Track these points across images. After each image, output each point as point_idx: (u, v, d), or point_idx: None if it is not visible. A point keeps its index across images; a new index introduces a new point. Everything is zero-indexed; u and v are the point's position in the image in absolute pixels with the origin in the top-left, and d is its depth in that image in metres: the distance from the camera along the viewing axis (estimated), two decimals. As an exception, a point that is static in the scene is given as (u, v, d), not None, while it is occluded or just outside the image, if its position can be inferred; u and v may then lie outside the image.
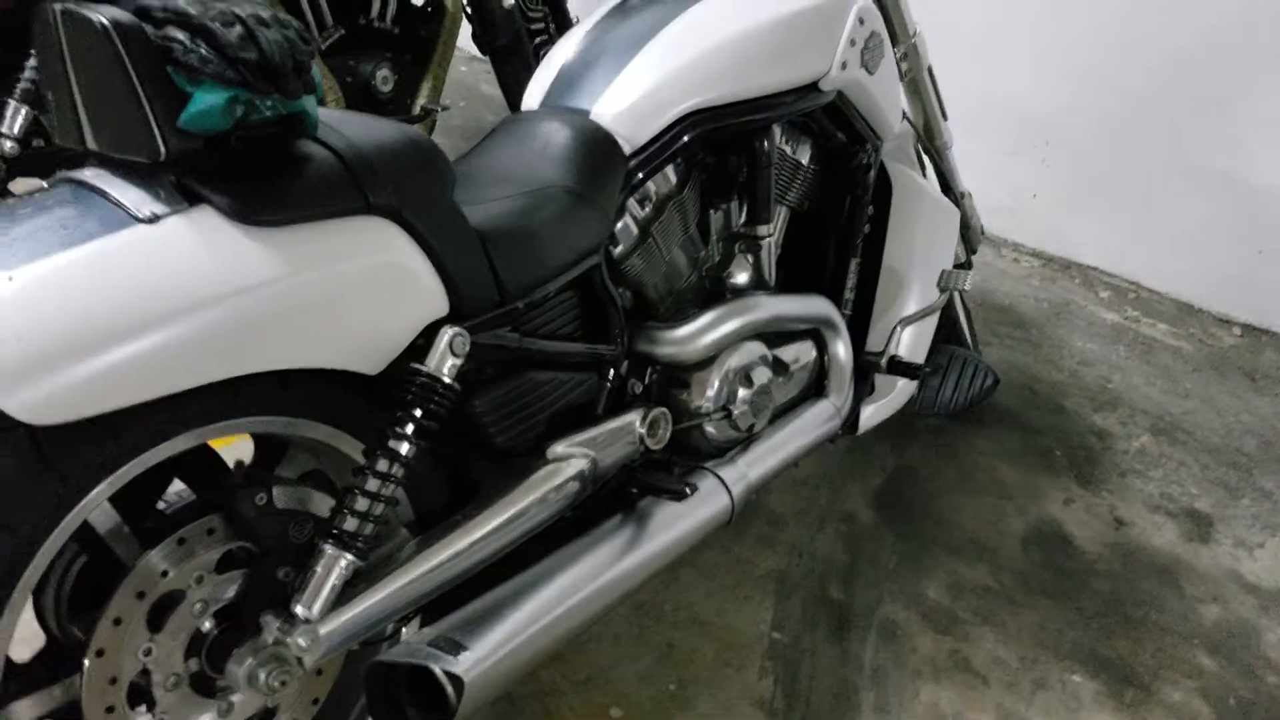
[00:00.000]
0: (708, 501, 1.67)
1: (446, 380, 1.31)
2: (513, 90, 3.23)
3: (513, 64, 3.16)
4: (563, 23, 3.33)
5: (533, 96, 1.76)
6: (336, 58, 2.77)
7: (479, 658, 1.30)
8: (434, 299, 1.31)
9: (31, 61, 2.11)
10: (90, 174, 1.16)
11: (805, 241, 2.09)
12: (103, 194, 1.13)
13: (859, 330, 2.15)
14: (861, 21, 1.89)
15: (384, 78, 2.85)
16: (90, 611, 1.22)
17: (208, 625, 1.27)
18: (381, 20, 2.90)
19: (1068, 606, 2.24)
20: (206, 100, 1.09)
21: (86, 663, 1.18)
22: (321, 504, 1.34)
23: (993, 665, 2.06)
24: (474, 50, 3.36)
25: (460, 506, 1.46)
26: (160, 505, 1.31)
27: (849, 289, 2.15)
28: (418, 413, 1.30)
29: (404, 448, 1.29)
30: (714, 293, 1.88)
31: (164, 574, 1.21)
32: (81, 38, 1.08)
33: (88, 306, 1.04)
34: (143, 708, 1.25)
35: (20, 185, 2.28)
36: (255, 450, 1.42)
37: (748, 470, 1.75)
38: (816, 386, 2.02)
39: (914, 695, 1.96)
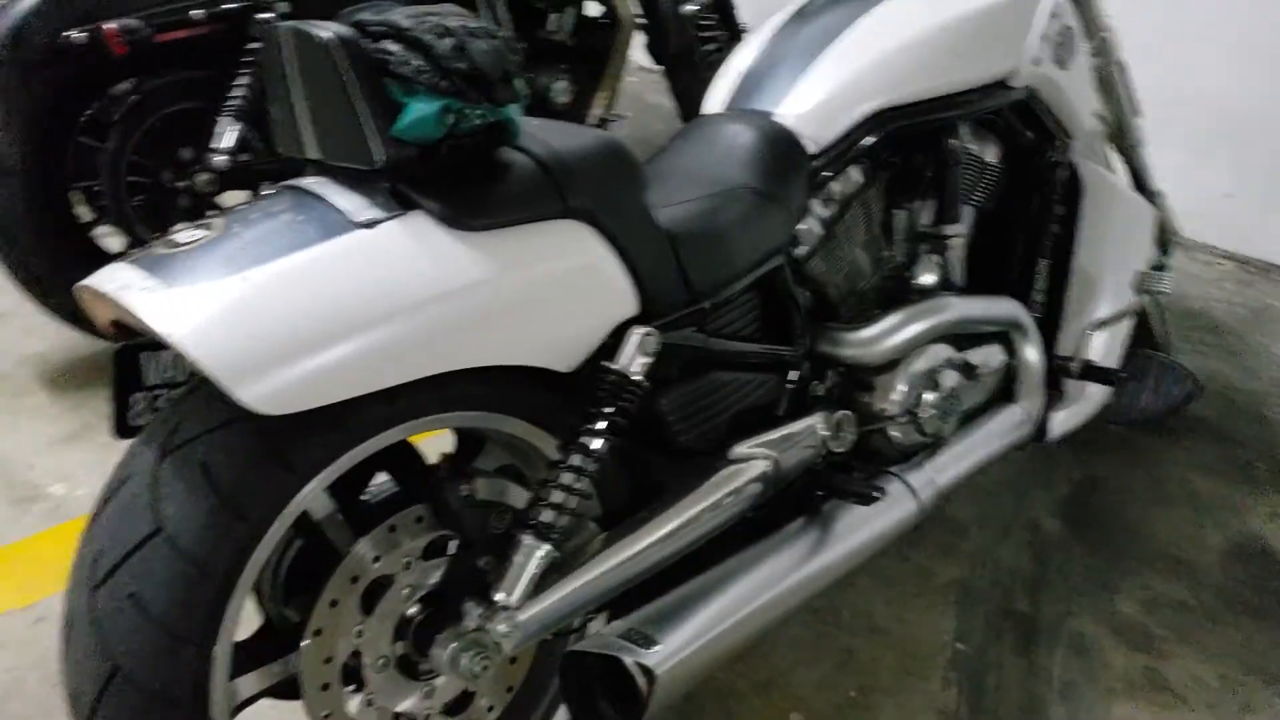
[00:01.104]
0: (894, 506, 1.65)
1: (636, 378, 1.33)
2: (685, 99, 3.26)
3: (685, 73, 3.20)
4: (733, 32, 3.35)
5: (715, 101, 1.77)
6: (516, 71, 2.86)
7: (670, 652, 1.31)
8: (625, 299, 1.34)
9: (241, 80, 2.26)
10: (311, 182, 1.24)
11: (992, 242, 2.04)
12: (323, 200, 1.20)
13: (1048, 334, 2.08)
14: (1054, 15, 1.84)
15: (561, 89, 2.93)
16: (304, 595, 1.30)
17: (413, 610, 1.32)
18: (559, 33, 2.98)
19: (1273, 625, 2.11)
20: (420, 110, 1.15)
21: (305, 642, 1.24)
22: (517, 497, 1.39)
23: (1192, 685, 1.96)
24: (641, 60, 3.41)
25: (643, 504, 1.48)
26: (365, 497, 1.38)
27: (1038, 291, 2.09)
28: (609, 409, 1.33)
29: (596, 443, 1.32)
30: (898, 294, 1.85)
31: (375, 559, 1.28)
32: (306, 53, 1.16)
33: (314, 305, 1.11)
34: (353, 687, 1.32)
35: (229, 197, 2.44)
36: (456, 445, 1.47)
37: (935, 476, 1.72)
38: (1005, 391, 1.96)
39: (1106, 712, 1.88)
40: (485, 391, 1.30)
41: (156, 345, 1.37)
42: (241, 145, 2.29)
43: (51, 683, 1.69)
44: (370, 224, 1.17)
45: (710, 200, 1.50)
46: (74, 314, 2.32)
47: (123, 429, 1.38)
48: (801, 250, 1.68)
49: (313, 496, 1.20)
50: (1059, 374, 2.09)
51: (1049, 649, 2.01)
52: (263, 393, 1.07)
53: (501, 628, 1.27)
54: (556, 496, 1.31)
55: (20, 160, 2.18)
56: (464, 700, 1.41)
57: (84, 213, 2.41)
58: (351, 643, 1.28)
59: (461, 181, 1.23)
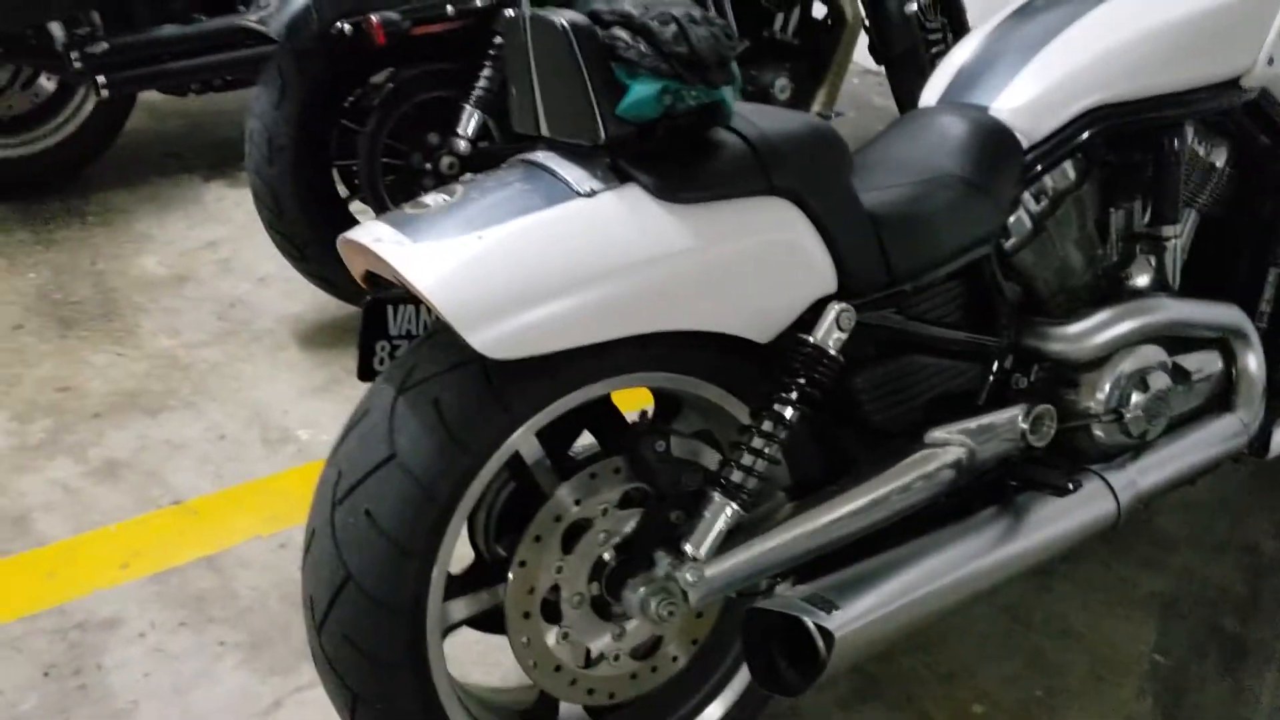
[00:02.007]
0: (1091, 504, 1.63)
1: (832, 353, 1.39)
2: (906, 99, 3.26)
3: (908, 73, 3.19)
4: (960, 31, 3.32)
5: (931, 94, 1.80)
6: (740, 68, 2.95)
7: (850, 618, 1.36)
8: (824, 276, 1.40)
9: (485, 72, 2.45)
10: (540, 155, 1.36)
11: (1217, 248, 1.98)
12: (549, 171, 1.33)
13: (1276, 345, 1.99)
14: (1294, 14, 1.77)
15: (782, 86, 2.99)
16: (510, 535, 1.42)
17: (608, 555, 1.43)
18: (784, 33, 3.05)
19: None
20: (642, 91, 1.25)
21: (510, 575, 1.37)
22: (709, 459, 1.47)
23: None
24: (867, 64, 3.43)
25: (834, 479, 1.53)
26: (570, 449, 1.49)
27: (1266, 301, 2.00)
28: (802, 381, 1.39)
29: (788, 412, 1.39)
30: (1111, 293, 1.82)
31: (576, 503, 1.39)
32: (544, 37, 1.29)
33: (538, 263, 1.23)
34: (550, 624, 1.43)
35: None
36: (655, 406, 1.57)
37: (1137, 477, 1.69)
38: (1222, 400, 1.89)
39: (1317, 742, 1.79)
40: (685, 355, 1.38)
41: (403, 299, 1.53)
42: (481, 132, 2.48)
43: (290, 601, 1.90)
44: (591, 194, 1.29)
45: (916, 187, 1.54)
46: (328, 279, 2.57)
47: (366, 373, 1.56)
48: (1011, 243, 1.68)
49: (525, 439, 1.32)
50: (1283, 388, 1.99)
51: (1257, 672, 1.93)
52: (491, 338, 1.20)
53: (688, 577, 1.35)
54: (746, 459, 1.38)
55: (291, 138, 2.44)
56: (653, 647, 1.50)
57: (341, 189, 2.67)
58: (551, 577, 1.39)
59: (675, 158, 1.32)
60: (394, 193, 2.52)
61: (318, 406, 2.43)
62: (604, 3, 1.31)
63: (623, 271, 1.26)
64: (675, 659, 1.53)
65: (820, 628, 1.34)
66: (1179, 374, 1.79)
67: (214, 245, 3.12)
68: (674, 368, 1.39)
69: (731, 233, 1.33)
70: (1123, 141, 1.77)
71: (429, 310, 1.53)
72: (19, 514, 2.10)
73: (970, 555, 1.52)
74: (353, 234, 1.32)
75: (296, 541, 2.02)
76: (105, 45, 2.92)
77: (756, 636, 1.39)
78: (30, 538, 2.04)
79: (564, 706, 1.52)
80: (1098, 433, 1.73)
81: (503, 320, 1.21)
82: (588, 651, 1.45)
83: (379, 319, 1.56)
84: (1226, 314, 1.87)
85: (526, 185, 1.32)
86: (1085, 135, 1.68)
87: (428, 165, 2.50)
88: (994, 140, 1.63)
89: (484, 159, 2.50)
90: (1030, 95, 1.67)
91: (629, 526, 1.43)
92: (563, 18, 1.27)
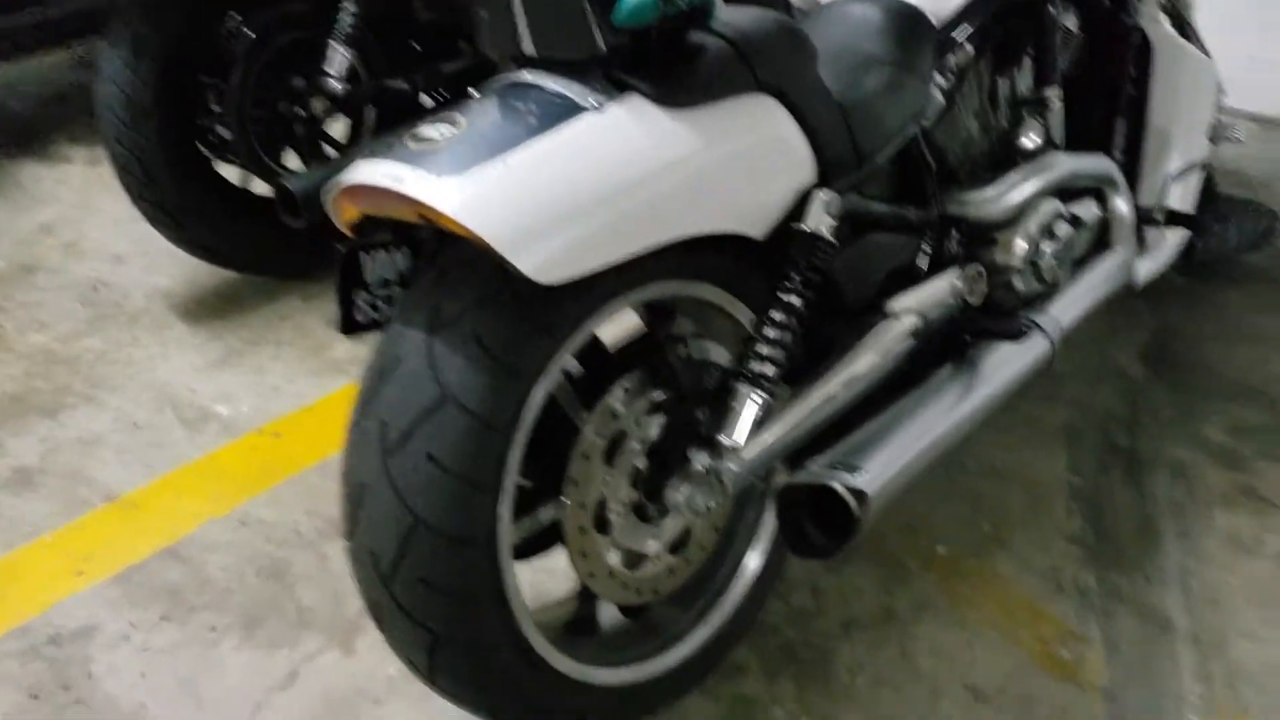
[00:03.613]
0: (1032, 347, 1.80)
1: (828, 238, 1.47)
2: None
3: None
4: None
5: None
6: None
7: (873, 477, 1.47)
8: (808, 166, 1.48)
9: (348, 6, 2.33)
10: (528, 75, 1.36)
11: (1073, 105, 2.18)
12: (547, 90, 1.33)
13: (1131, 188, 2.23)
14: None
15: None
16: (539, 462, 1.44)
17: (641, 463, 1.47)
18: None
19: (1349, 439, 2.30)
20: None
21: (566, 495, 1.40)
22: (720, 356, 1.53)
23: (1284, 495, 2.15)
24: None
25: (819, 360, 1.62)
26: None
27: (1117, 148, 2.23)
28: (805, 268, 1.47)
29: (795, 300, 1.47)
30: (1004, 157, 1.99)
31: (614, 416, 1.42)
32: (529, -44, 1.27)
33: (570, 182, 1.24)
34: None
35: (338, 125, 2.54)
36: (648, 317, 1.60)
37: (1060, 317, 1.88)
38: (1102, 243, 2.11)
39: (1211, 522, 2.07)
40: (693, 261, 1.43)
41: (378, 245, 1.49)
42: (350, 73, 2.38)
43: (270, 575, 1.84)
44: (599, 107, 1.30)
45: (861, 72, 1.63)
46: (209, 247, 2.43)
47: (349, 325, 1.51)
48: (927, 118, 1.81)
49: (567, 360, 1.34)
50: (1143, 224, 2.23)
51: (1152, 475, 2.19)
52: (539, 263, 1.20)
53: (733, 465, 1.42)
54: (765, 349, 1.45)
55: (154, 100, 2.26)
56: (683, 540, 1.57)
57: (207, 149, 2.50)
58: (600, 491, 1.43)
59: (667, 64, 1.35)
60: (267, 147, 2.40)
61: (225, 379, 2.31)
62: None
63: (645, 182, 1.29)
64: (703, 547, 1.60)
65: (852, 489, 1.44)
66: (1075, 222, 1.99)
67: (50, 229, 2.87)
68: (685, 274, 1.43)
69: (731, 133, 1.38)
70: (1008, 15, 1.92)
71: (407, 253, 1.51)
72: (-66, 544, 1.92)
73: (950, 405, 1.66)
74: (359, 176, 1.28)
75: (255, 517, 1.97)
76: None
77: (786, 514, 1.47)
78: (-45, 565, 1.88)
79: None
80: (1018, 283, 1.90)
81: (547, 244, 1.21)
82: (630, 554, 1.50)
83: (354, 268, 1.51)
84: (1101, 164, 2.08)
85: (529, 105, 1.31)
86: (983, 12, 1.81)
87: (299, 111, 2.39)
88: (911, 23, 1.74)
89: (356, 100, 2.41)
90: (932, -22, 1.78)
91: (656, 433, 1.48)
92: (547, -66, 1.27)
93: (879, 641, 1.78)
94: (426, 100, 2.53)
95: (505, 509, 1.31)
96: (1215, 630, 1.82)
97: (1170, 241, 2.33)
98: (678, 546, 1.56)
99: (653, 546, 1.51)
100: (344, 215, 1.38)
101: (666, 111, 1.33)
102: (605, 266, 1.27)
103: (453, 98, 2.48)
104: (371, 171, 1.28)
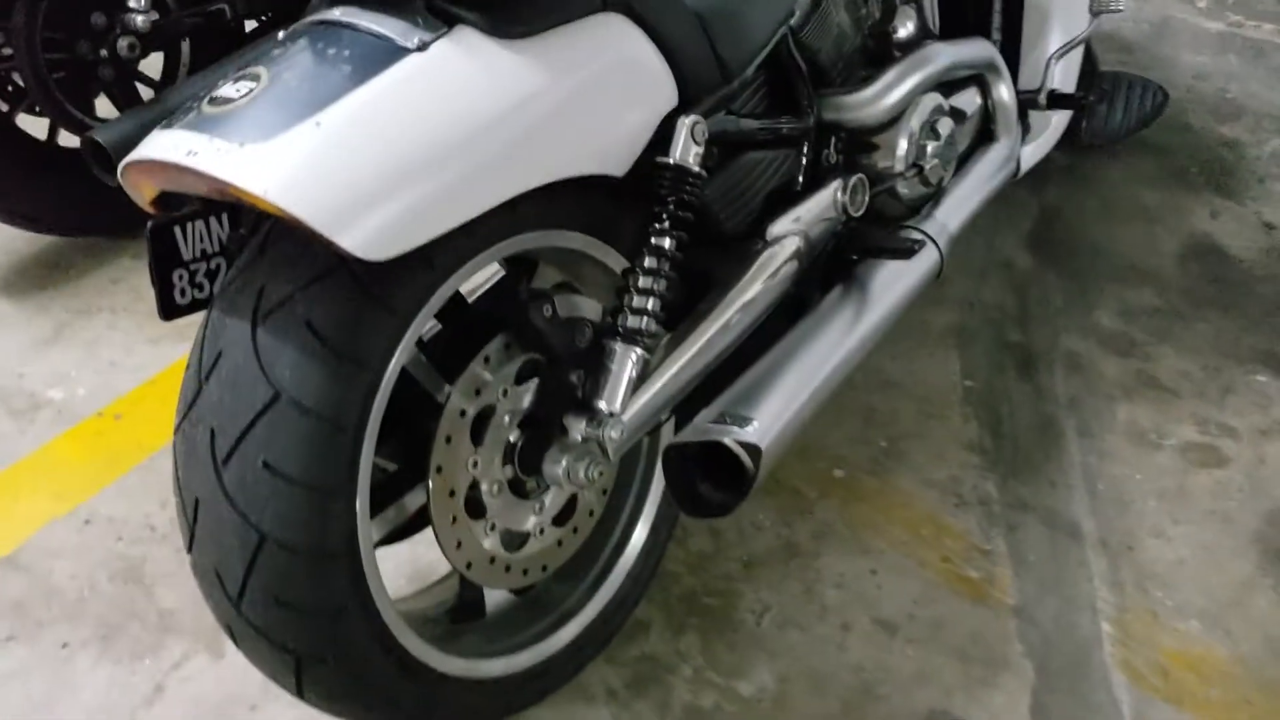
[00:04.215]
0: (920, 259, 1.70)
1: (695, 169, 1.33)
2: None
3: None
4: None
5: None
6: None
7: (766, 426, 1.36)
8: (667, 89, 1.33)
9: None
10: (337, 13, 1.18)
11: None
12: (361, 30, 1.15)
13: (1012, 72, 2.12)
14: None
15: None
16: (394, 443, 1.30)
17: (513, 436, 1.34)
18: None
19: (1236, 313, 2.29)
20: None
21: (430, 482, 1.26)
22: (590, 310, 1.40)
23: (1179, 378, 2.13)
24: None
25: (696, 298, 1.50)
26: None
27: (995, 29, 2.11)
28: (672, 205, 1.33)
29: (665, 242, 1.33)
30: (880, 51, 1.86)
31: (477, 392, 1.29)
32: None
33: (393, 142, 1.08)
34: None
35: (152, 61, 2.28)
36: (507, 271, 1.46)
37: (947, 222, 1.79)
38: (985, 133, 2.01)
39: (1112, 416, 2.04)
40: (550, 209, 1.28)
41: (189, 217, 1.31)
42: (156, 2, 2.11)
43: (126, 579, 1.68)
44: (422, 46, 1.13)
45: (719, -22, 1.47)
46: (16, 212, 2.18)
47: (169, 310, 1.34)
48: (795, 19, 1.66)
49: (416, 337, 1.19)
50: (1025, 108, 2.14)
51: (1048, 370, 2.15)
52: (364, 239, 1.04)
53: (613, 433, 1.30)
54: (638, 301, 1.32)
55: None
56: (569, 509, 1.45)
57: (3, 100, 2.22)
58: (469, 474, 1.30)
59: (493, -12, 1.17)
60: (69, 94, 2.13)
61: (58, 359, 2.09)
62: None
63: (484, 131, 1.13)
64: (591, 513, 1.49)
65: (744, 444, 1.34)
66: (957, 116, 1.88)
67: None
68: (543, 224, 1.29)
69: (576, 61, 1.22)
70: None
71: (226, 221, 1.34)
72: None
73: (841, 333, 1.56)
74: (152, 152, 1.09)
75: (102, 513, 1.79)
76: None
77: (675, 474, 1.37)
78: None
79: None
80: (903, 189, 1.80)
81: (375, 215, 1.05)
82: (510, 534, 1.39)
83: (169, 245, 1.33)
84: (981, 49, 1.96)
85: (342, 50, 1.13)
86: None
87: (102, 53, 2.12)
88: (769, -84, 1.57)
89: (165, 34, 2.15)
90: None
91: (527, 402, 1.35)
92: None
93: (782, 578, 1.71)
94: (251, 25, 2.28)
95: (363, 510, 1.17)
96: (1124, 532, 1.79)
97: (1054, 124, 2.25)
98: (563, 518, 1.45)
99: (534, 523, 1.39)
100: (142, 192, 1.20)
101: (501, 44, 1.16)
102: (446, 231, 1.12)
103: (278, 20, 2.24)
104: (162, 145, 1.09)
